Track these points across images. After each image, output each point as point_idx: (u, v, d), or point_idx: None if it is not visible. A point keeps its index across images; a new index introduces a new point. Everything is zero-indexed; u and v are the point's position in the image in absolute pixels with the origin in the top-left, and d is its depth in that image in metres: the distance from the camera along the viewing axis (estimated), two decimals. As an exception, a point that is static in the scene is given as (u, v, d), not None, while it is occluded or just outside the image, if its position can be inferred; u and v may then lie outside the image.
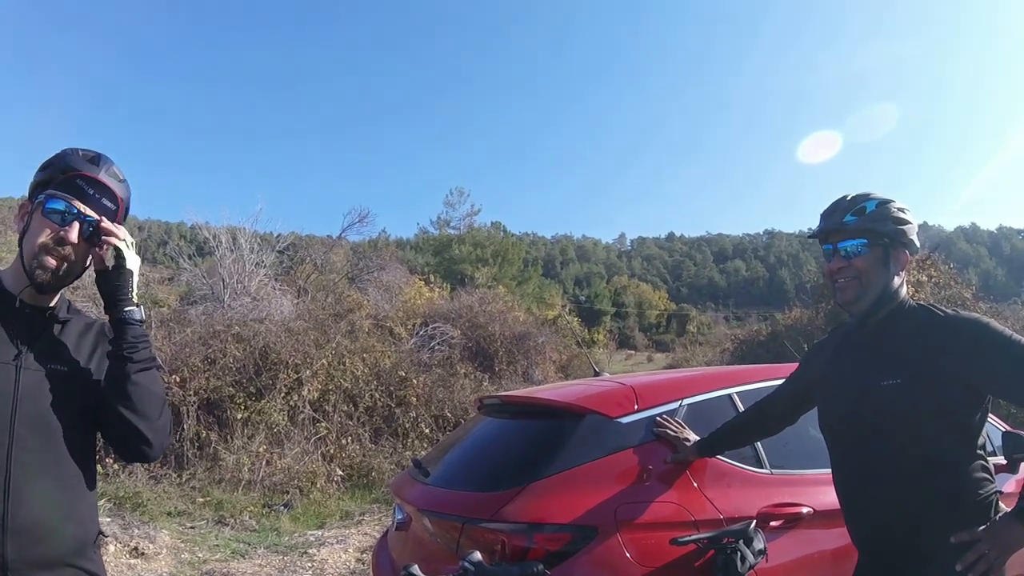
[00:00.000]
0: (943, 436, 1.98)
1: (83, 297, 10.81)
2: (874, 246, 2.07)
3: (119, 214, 1.82)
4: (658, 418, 2.77)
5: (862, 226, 2.07)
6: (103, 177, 1.77)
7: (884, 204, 2.08)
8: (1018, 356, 1.90)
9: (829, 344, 2.38)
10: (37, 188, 1.76)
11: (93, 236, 1.77)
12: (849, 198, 2.13)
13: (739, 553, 2.38)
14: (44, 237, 1.71)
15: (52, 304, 1.81)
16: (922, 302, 2.13)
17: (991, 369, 1.94)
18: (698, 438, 2.68)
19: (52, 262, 1.72)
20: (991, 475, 2.04)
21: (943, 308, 2.07)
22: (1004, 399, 2.12)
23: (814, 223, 2.22)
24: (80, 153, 1.78)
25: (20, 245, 1.75)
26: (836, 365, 2.26)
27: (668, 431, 2.72)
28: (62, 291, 1.82)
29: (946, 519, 1.96)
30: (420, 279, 22.03)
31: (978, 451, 2.01)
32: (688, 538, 2.43)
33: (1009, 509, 1.92)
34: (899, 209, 2.09)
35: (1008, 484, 3.35)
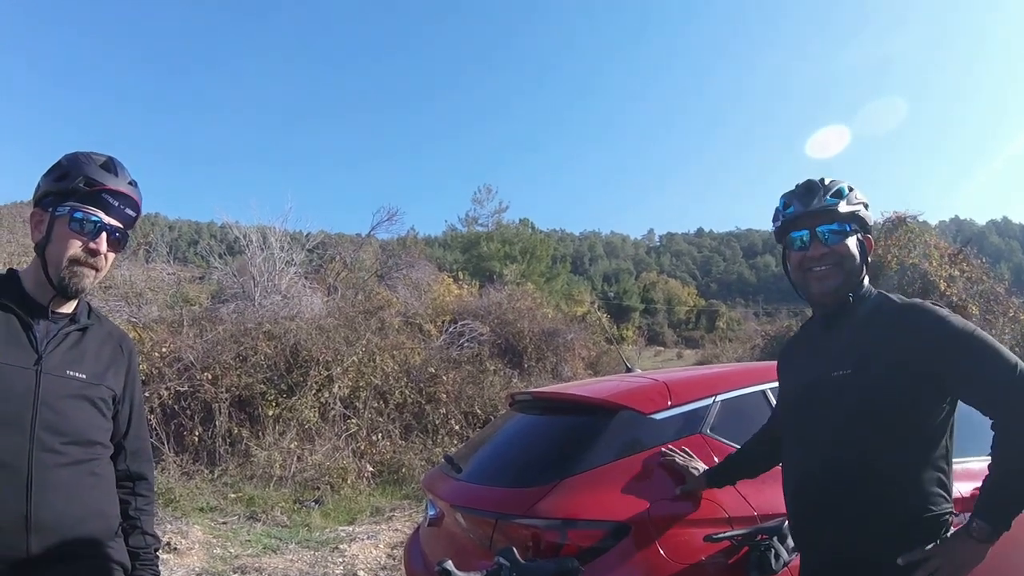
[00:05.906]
0: (890, 437, 1.85)
1: (115, 296, 11.01)
2: (851, 232, 1.98)
3: (138, 219, 1.86)
4: (663, 448, 2.66)
5: (847, 209, 1.96)
6: (125, 188, 1.79)
7: (852, 189, 2.00)
8: (979, 349, 1.79)
9: (799, 340, 2.26)
10: (53, 197, 1.75)
11: (119, 241, 1.81)
12: (823, 182, 2.01)
13: (773, 550, 2.36)
14: (75, 250, 1.73)
15: (72, 310, 1.84)
16: (880, 290, 2.03)
17: (954, 364, 1.82)
18: (705, 467, 2.57)
19: (89, 273, 1.77)
20: (947, 493, 1.88)
21: (898, 296, 1.98)
22: (967, 398, 1.86)
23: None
24: (95, 160, 1.78)
25: (40, 254, 1.76)
26: (798, 359, 2.18)
27: (675, 460, 2.60)
28: (82, 295, 1.85)
29: (888, 534, 1.84)
30: (449, 276, 22.08)
31: (935, 462, 1.86)
32: (722, 535, 2.41)
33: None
34: (861, 193, 2.02)
35: None
